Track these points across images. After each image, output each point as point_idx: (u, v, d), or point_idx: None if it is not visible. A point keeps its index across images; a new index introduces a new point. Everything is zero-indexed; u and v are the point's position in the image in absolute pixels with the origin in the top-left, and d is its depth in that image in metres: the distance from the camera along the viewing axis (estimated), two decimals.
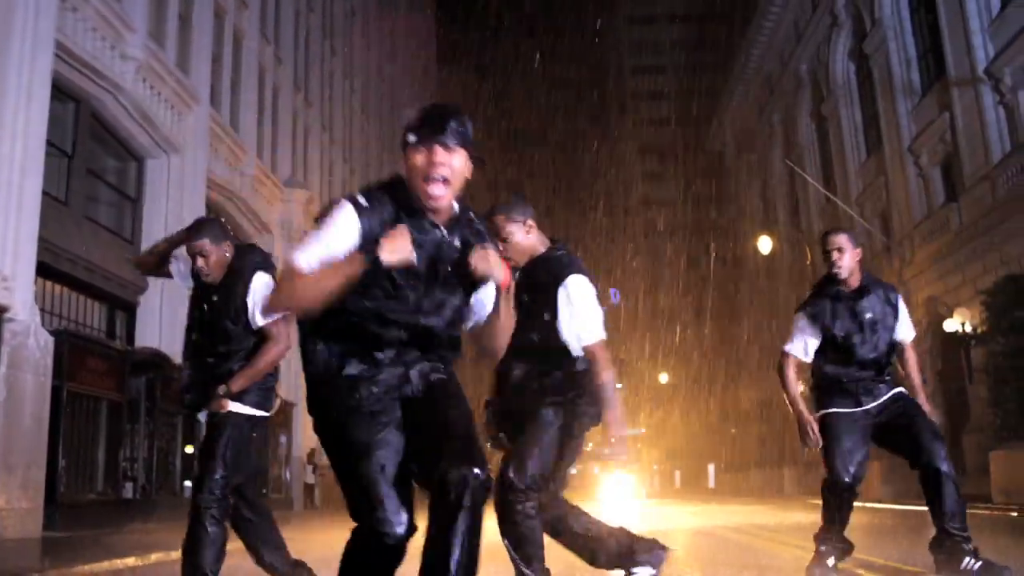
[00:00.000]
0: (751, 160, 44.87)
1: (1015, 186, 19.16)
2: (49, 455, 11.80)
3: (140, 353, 15.18)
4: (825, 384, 4.77)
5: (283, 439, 23.28)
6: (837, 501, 4.70)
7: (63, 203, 14.83)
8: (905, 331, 4.79)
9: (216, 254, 4.21)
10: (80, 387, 12.99)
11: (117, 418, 14.17)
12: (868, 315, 4.63)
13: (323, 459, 25.36)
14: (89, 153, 15.88)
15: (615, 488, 26.73)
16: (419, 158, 2.36)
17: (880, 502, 17.51)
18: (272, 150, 24.69)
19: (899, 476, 20.09)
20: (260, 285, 4.16)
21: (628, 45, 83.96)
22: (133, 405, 14.92)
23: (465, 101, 66.51)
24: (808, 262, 31.19)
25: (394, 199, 2.41)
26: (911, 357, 4.84)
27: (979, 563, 4.23)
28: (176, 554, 7.10)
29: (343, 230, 2.35)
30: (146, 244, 17.73)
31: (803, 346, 4.78)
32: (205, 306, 4.22)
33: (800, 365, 4.81)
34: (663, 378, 59.16)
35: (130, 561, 7.97)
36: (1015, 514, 10.50)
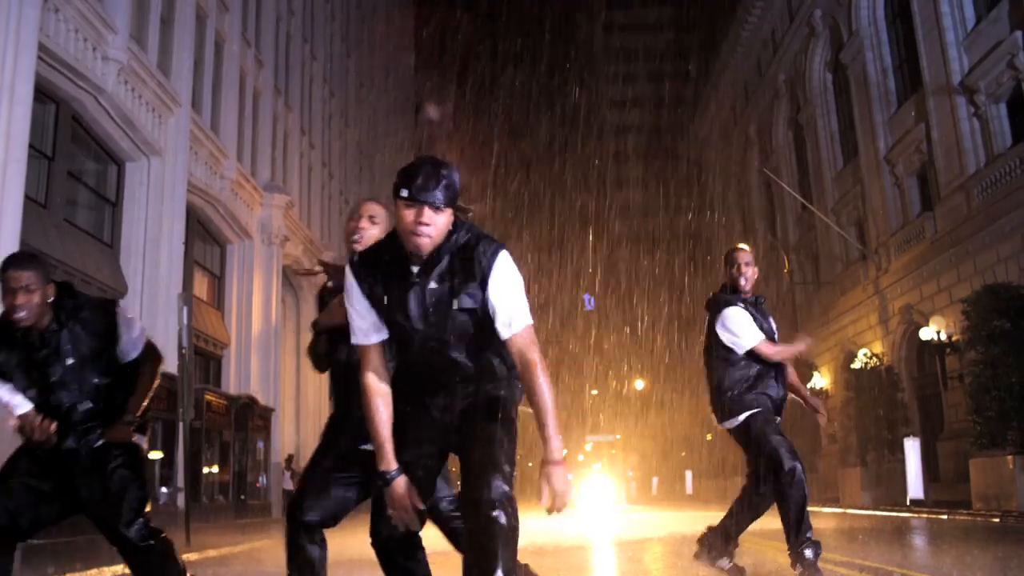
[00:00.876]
0: (727, 168, 45.22)
1: (990, 197, 19.47)
2: None
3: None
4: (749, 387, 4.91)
5: (260, 444, 23.11)
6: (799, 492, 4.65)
7: (43, 206, 14.67)
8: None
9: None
10: None
11: None
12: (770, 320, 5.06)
13: (301, 464, 25.23)
14: (69, 156, 15.72)
15: (591, 494, 26.66)
16: (409, 215, 2.59)
17: (860, 508, 17.70)
18: (252, 154, 24.56)
19: (878, 483, 20.34)
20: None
21: (604, 52, 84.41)
22: None
23: (441, 105, 66.49)
24: (786, 270, 31.49)
25: (386, 253, 2.74)
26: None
27: None
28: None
29: (354, 293, 2.77)
30: (126, 248, 17.63)
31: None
32: None
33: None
34: (639, 384, 59.35)
35: (118, 569, 7.91)
36: (997, 520, 10.66)
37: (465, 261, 2.66)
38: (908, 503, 15.11)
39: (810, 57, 31.48)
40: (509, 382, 2.79)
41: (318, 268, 3.65)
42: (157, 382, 3.92)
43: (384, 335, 2.76)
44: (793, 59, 33.44)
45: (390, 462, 2.69)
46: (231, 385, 22.16)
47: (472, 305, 2.65)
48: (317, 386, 28.50)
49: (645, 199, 75.97)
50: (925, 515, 12.51)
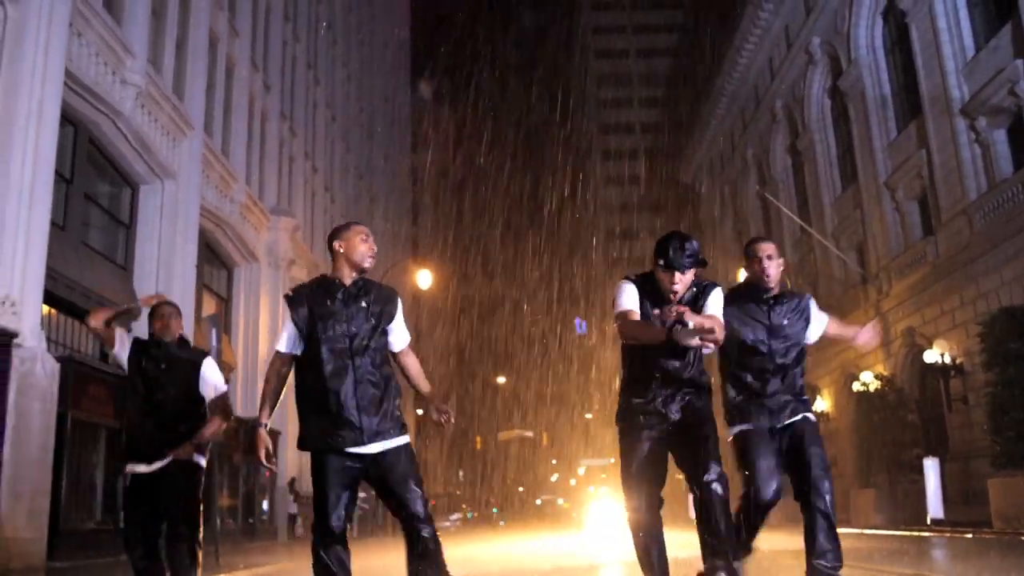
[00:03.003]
0: (724, 192, 45.58)
1: (992, 222, 19.77)
2: (52, 484, 11.68)
3: None
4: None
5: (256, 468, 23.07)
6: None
7: (61, 228, 14.74)
8: None
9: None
10: (82, 414, 12.88)
11: (115, 446, 14.00)
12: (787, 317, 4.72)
13: (305, 487, 25.15)
14: (86, 178, 15.83)
15: (603, 516, 26.59)
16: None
17: (876, 528, 17.80)
18: (260, 178, 24.72)
19: (892, 504, 20.46)
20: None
21: (598, 78, 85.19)
22: None
23: (436, 129, 66.89)
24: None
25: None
26: None
27: None
28: None
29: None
30: (139, 270, 17.67)
31: None
32: None
33: None
34: None
35: None
36: None
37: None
38: (929, 522, 15.25)
39: (808, 84, 31.90)
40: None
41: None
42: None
43: None
44: (791, 86, 33.87)
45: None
46: (238, 408, 22.13)
47: None
48: None
49: (640, 222, 76.39)
50: (949, 534, 12.64)
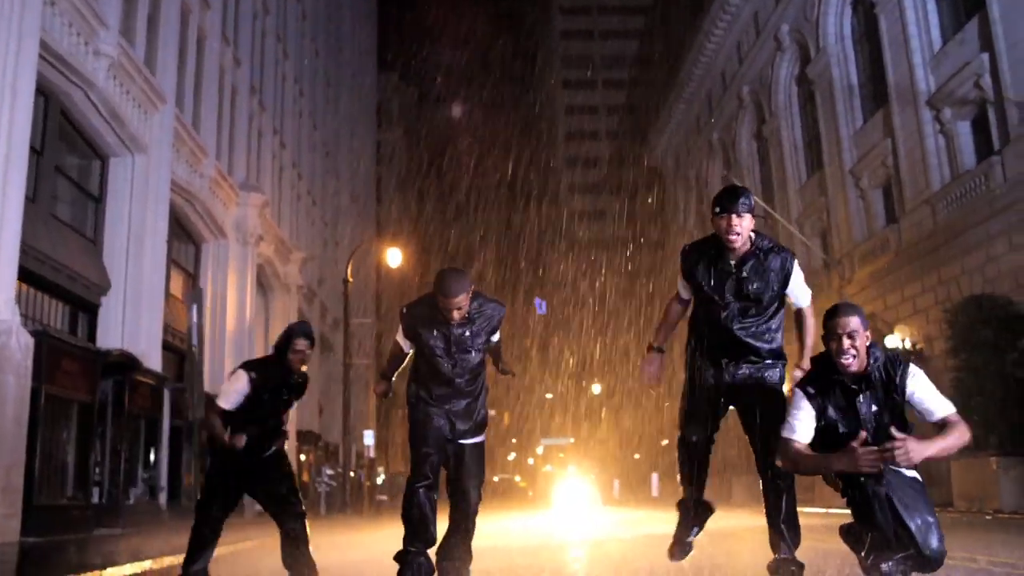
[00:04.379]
0: (689, 176, 45.99)
1: (955, 211, 20.25)
2: (26, 459, 11.57)
3: (111, 355, 14.87)
4: None
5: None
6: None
7: (31, 200, 14.47)
8: None
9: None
10: (56, 389, 12.75)
11: (88, 421, 13.90)
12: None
13: None
14: (56, 150, 15.55)
15: (570, 495, 26.91)
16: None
17: (843, 508, 18.22)
18: (230, 153, 24.42)
19: None
20: None
21: (563, 57, 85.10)
22: (101, 408, 14.64)
23: (401, 111, 66.43)
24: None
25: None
26: None
27: None
28: (152, 563, 7.09)
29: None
30: (108, 244, 17.40)
31: None
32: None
33: None
34: (595, 389, 59.90)
35: (127, 570, 7.86)
36: (989, 517, 11.23)
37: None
38: None
39: (776, 71, 32.25)
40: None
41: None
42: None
43: None
44: (759, 72, 34.20)
45: None
46: (206, 384, 21.93)
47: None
48: None
49: (603, 204, 76.72)
50: None
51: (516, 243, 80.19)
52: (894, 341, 20.80)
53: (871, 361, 3.81)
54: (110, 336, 16.69)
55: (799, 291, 4.32)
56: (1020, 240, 17.89)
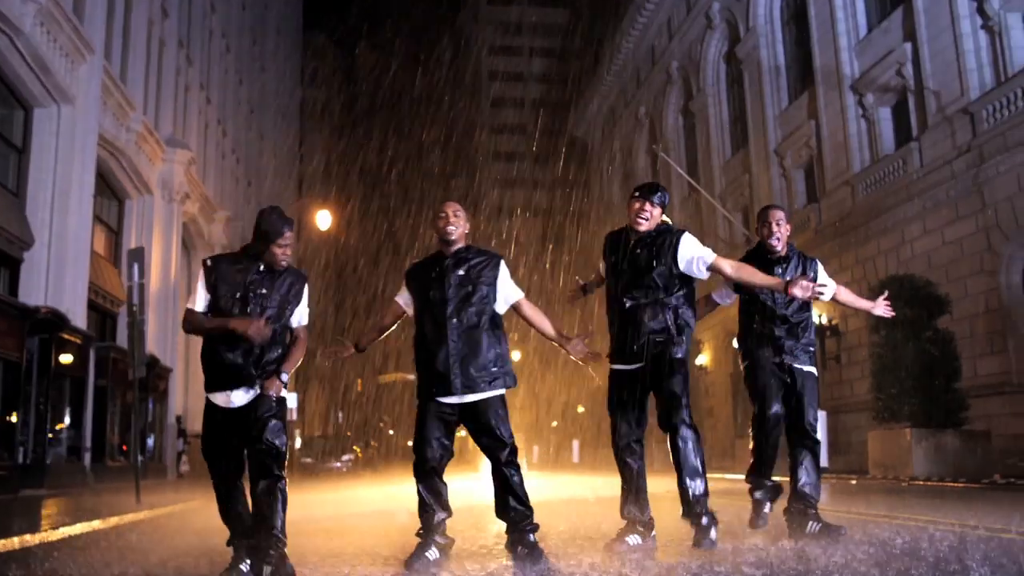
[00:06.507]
0: (614, 148, 46.53)
1: (873, 194, 21.14)
2: None
3: (39, 312, 14.47)
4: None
5: (155, 405, 22.55)
6: (764, 436, 5.19)
7: None
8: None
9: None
10: None
11: (15, 380, 13.54)
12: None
13: (194, 426, 24.75)
14: None
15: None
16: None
17: None
18: (156, 107, 23.72)
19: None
20: None
21: (492, 23, 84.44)
22: (27, 367, 14.27)
23: (326, 71, 65.17)
24: None
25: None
26: None
27: (819, 525, 4.94)
28: (79, 527, 7.04)
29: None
30: (32, 198, 16.82)
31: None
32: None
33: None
34: (515, 355, 60.41)
35: (77, 528, 7.71)
36: (905, 484, 11.98)
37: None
38: None
39: (705, 48, 32.83)
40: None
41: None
42: None
43: None
44: (688, 48, 34.76)
45: None
46: (126, 343, 21.51)
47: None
48: None
49: (526, 173, 76.93)
50: (834, 479, 13.79)
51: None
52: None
53: (790, 250, 5.20)
54: (33, 293, 16.21)
55: (695, 253, 4.69)
56: (933, 224, 18.84)
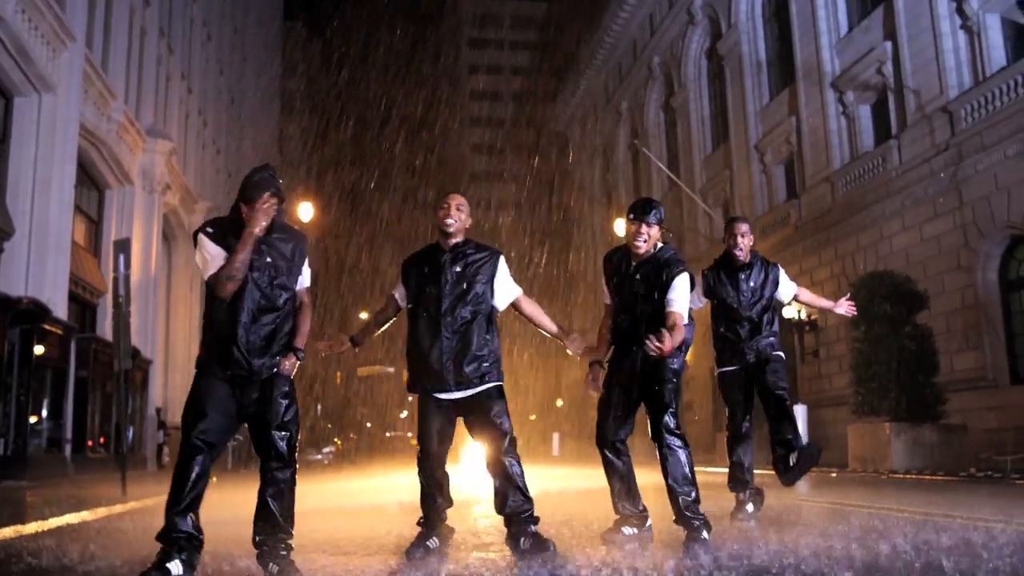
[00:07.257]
0: (595, 143, 46.65)
1: (853, 190, 21.38)
2: None
3: (21, 302, 14.35)
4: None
5: (136, 396, 22.40)
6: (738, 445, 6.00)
7: None
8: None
9: None
10: None
11: None
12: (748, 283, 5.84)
13: (173, 418, 24.61)
14: None
15: (474, 454, 27.30)
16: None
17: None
18: (138, 97, 23.53)
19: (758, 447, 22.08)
20: None
21: (472, 15, 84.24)
22: (8, 358, 14.16)
23: (306, 61, 64.84)
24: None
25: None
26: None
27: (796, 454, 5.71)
28: (70, 517, 7.06)
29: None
30: (13, 188, 16.67)
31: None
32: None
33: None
34: None
35: (71, 518, 7.72)
36: (884, 477, 12.18)
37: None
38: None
39: (687, 44, 32.99)
40: None
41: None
42: None
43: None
44: (670, 44, 34.90)
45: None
46: (108, 334, 21.37)
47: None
48: (186, 337, 27.76)
49: (506, 166, 76.91)
50: (815, 472, 13.96)
51: (420, 205, 79.58)
52: (790, 312, 21.86)
53: (753, 257, 5.76)
54: (14, 284, 16.04)
55: (675, 295, 4.61)
56: (911, 221, 19.10)
